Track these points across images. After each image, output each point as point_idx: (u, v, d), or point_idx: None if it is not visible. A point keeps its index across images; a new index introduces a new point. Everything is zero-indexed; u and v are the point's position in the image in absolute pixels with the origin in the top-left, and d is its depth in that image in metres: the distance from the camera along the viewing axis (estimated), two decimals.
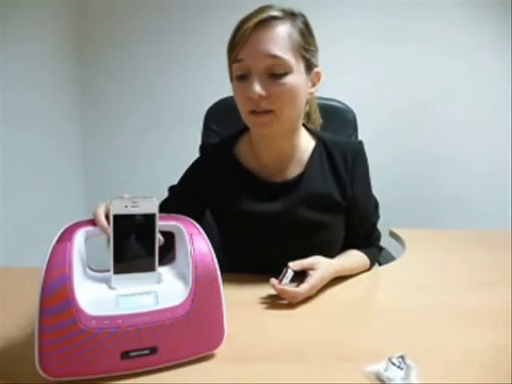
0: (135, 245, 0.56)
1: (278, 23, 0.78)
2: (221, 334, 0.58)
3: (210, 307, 0.57)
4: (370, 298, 0.87)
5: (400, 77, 2.07)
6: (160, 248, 0.58)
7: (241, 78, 0.80)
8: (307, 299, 0.76)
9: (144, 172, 2.13)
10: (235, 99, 0.84)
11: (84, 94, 2.08)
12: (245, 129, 0.93)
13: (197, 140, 1.23)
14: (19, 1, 1.58)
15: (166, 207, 0.63)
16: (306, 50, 0.81)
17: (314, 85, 0.86)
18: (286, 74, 0.78)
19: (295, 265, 0.78)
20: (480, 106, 2.09)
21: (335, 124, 1.16)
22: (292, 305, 0.75)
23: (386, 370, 0.53)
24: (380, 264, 1.03)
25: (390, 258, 1.08)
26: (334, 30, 1.95)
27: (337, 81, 1.67)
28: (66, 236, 0.54)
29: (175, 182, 0.99)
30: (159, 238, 0.59)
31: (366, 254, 0.94)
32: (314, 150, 0.91)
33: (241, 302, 0.75)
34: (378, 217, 0.99)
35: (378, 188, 0.99)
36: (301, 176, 0.89)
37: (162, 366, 0.54)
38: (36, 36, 1.71)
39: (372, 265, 0.96)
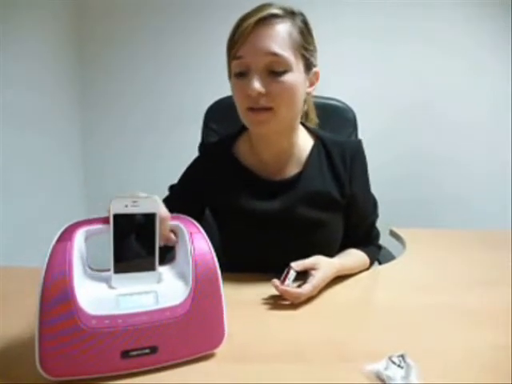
0: (135, 244, 0.56)
1: (278, 21, 0.78)
2: (221, 334, 0.58)
3: (210, 306, 0.57)
4: (370, 298, 0.87)
5: (400, 77, 2.07)
6: (160, 248, 0.58)
7: (240, 75, 0.80)
8: (308, 299, 0.76)
9: (144, 172, 2.13)
10: (233, 96, 0.84)
11: (84, 94, 2.08)
12: (244, 127, 0.93)
13: (196, 139, 1.23)
14: (19, 1, 1.58)
15: (166, 206, 0.63)
16: (306, 49, 0.81)
17: (311, 84, 0.87)
18: (285, 71, 0.78)
19: (297, 265, 0.78)
20: (480, 105, 2.09)
21: (335, 123, 1.17)
22: (292, 305, 0.75)
23: (386, 369, 0.53)
24: (380, 263, 1.03)
25: (390, 258, 1.08)
26: (333, 29, 1.96)
27: (336, 80, 1.67)
28: (66, 235, 0.53)
29: (175, 181, 1.00)
30: (172, 237, 0.60)
31: (366, 252, 0.94)
32: (313, 148, 0.91)
33: (241, 302, 0.75)
34: (376, 215, 0.99)
35: (377, 188, 0.99)
36: (299, 174, 0.89)
37: (161, 365, 0.54)
38: (36, 36, 1.71)
39: (371, 264, 0.96)
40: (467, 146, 2.13)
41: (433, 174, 2.15)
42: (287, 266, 0.77)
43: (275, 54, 0.77)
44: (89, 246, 0.58)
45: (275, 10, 0.78)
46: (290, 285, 0.76)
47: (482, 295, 0.81)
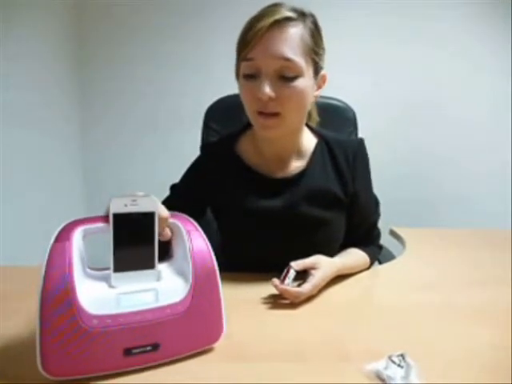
0: (135, 243, 0.56)
1: (291, 24, 0.77)
2: (220, 328, 0.59)
3: (209, 302, 0.58)
4: (370, 297, 0.87)
5: (400, 76, 2.07)
6: (160, 246, 0.58)
7: (249, 76, 0.79)
8: (307, 298, 0.76)
9: (143, 171, 2.13)
10: (241, 97, 0.84)
11: (83, 93, 2.07)
12: (247, 126, 0.93)
13: (195, 139, 1.23)
14: (19, 0, 1.58)
15: (168, 205, 0.63)
16: (316, 53, 0.81)
17: (319, 88, 0.86)
18: (296, 77, 0.77)
19: (297, 264, 0.78)
20: (480, 105, 2.09)
21: (335, 122, 1.17)
22: (292, 304, 0.75)
23: (386, 368, 0.53)
24: (380, 263, 1.03)
25: (390, 257, 1.08)
26: (333, 28, 1.94)
27: (337, 80, 1.66)
28: (65, 235, 0.53)
29: (174, 180, 0.99)
30: (167, 233, 0.60)
31: (366, 252, 0.94)
32: (316, 147, 0.91)
33: (241, 301, 0.75)
34: (378, 215, 1.00)
35: (378, 187, 0.99)
36: (303, 172, 0.89)
37: (163, 361, 0.55)
38: (35, 35, 1.71)
39: (372, 263, 0.96)
40: (467, 146, 2.12)
41: (433, 173, 2.15)
42: (287, 265, 0.77)
43: (287, 59, 0.76)
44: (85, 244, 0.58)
45: (289, 13, 0.77)
46: (289, 284, 0.76)
47: (482, 295, 0.81)
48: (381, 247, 1.02)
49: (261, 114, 0.79)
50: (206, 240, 0.61)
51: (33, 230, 1.60)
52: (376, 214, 0.99)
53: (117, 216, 0.54)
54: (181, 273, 0.60)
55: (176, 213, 0.64)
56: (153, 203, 0.56)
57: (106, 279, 0.56)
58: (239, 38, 0.81)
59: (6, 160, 1.49)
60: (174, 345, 0.55)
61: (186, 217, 0.64)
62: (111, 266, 0.55)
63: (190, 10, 2.01)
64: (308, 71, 0.80)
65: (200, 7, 2.01)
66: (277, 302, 0.76)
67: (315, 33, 0.81)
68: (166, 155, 2.09)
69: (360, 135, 1.24)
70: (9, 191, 1.51)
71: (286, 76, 0.77)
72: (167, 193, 0.98)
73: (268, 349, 0.61)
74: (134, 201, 0.54)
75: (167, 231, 0.61)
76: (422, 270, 0.97)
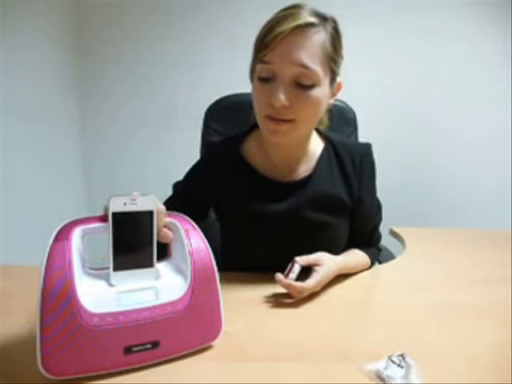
0: (134, 242, 0.56)
1: (313, 31, 0.74)
2: (219, 326, 0.60)
3: (208, 300, 0.59)
4: (370, 297, 0.87)
5: (399, 77, 2.07)
6: (158, 246, 0.58)
7: (264, 80, 0.77)
8: (308, 298, 0.76)
9: (135, 168, 2.13)
10: (253, 98, 0.82)
11: (83, 93, 2.07)
12: (253, 127, 0.91)
13: (194, 136, 1.23)
14: None
15: (170, 206, 0.63)
16: (334, 62, 0.79)
17: (333, 96, 0.84)
18: (312, 86, 0.75)
19: (302, 259, 0.77)
20: (481, 106, 2.10)
21: (335, 122, 1.15)
22: (292, 304, 0.75)
23: (386, 368, 0.53)
24: (380, 263, 1.03)
25: (390, 257, 1.08)
26: None
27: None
28: (64, 234, 0.53)
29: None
30: (169, 234, 0.60)
31: (367, 253, 0.95)
32: (323, 151, 0.90)
33: (241, 301, 0.75)
34: (380, 219, 0.99)
35: (378, 187, 0.99)
36: (309, 177, 0.88)
37: (163, 359, 0.55)
38: (35, 29, 1.71)
39: (372, 265, 0.96)
40: (468, 146, 2.13)
41: (433, 173, 2.15)
42: (292, 260, 0.77)
43: (305, 67, 0.74)
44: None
45: (311, 18, 0.74)
46: (293, 279, 0.75)
47: (482, 294, 0.81)
48: (380, 249, 1.02)
49: (271, 119, 0.77)
50: (204, 239, 0.61)
51: (33, 229, 1.60)
52: (378, 218, 0.98)
53: (116, 215, 0.54)
54: (179, 271, 0.60)
55: (174, 212, 0.64)
56: (152, 202, 0.56)
57: (106, 278, 0.56)
58: (257, 39, 0.78)
59: (6, 159, 1.49)
60: (174, 342, 0.56)
61: (184, 216, 0.64)
62: (110, 264, 0.55)
63: (184, 8, 2.00)
64: (325, 80, 0.77)
65: (194, 6, 2.00)
66: (277, 301, 0.76)
67: (336, 40, 0.79)
68: (159, 153, 2.10)
69: (360, 135, 1.24)
70: (9, 191, 1.51)
71: (302, 84, 0.75)
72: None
73: (268, 349, 0.61)
74: (132, 200, 0.54)
75: (168, 233, 0.60)
76: (422, 270, 0.97)
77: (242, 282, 0.84)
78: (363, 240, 0.96)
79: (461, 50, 2.05)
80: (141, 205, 0.55)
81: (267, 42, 0.74)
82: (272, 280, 0.77)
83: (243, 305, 0.74)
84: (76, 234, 0.54)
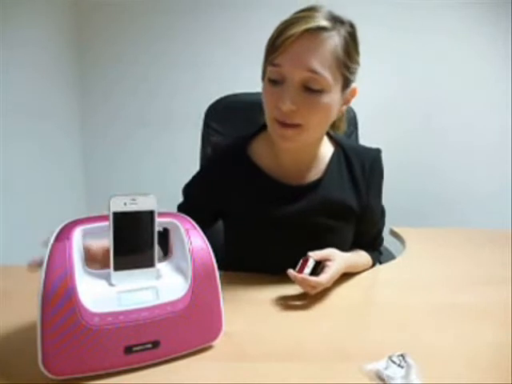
0: (134, 241, 0.56)
1: (324, 35, 0.73)
2: (219, 326, 0.60)
3: (208, 299, 0.59)
4: (371, 297, 0.87)
5: (401, 77, 2.08)
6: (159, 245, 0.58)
7: (274, 82, 0.76)
8: (308, 298, 0.76)
9: (142, 168, 2.12)
10: (263, 99, 0.81)
11: (83, 91, 2.07)
12: (263, 127, 0.89)
13: (196, 138, 1.23)
14: None
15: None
16: (347, 68, 0.76)
17: (346, 102, 0.82)
18: (321, 91, 0.74)
19: (315, 254, 0.76)
20: (481, 107, 2.10)
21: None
22: (292, 304, 0.75)
23: (386, 368, 0.53)
24: (380, 263, 1.03)
25: (390, 257, 1.08)
26: None
27: None
28: (65, 234, 0.53)
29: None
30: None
31: (370, 255, 0.95)
32: (333, 155, 0.89)
33: (241, 301, 0.75)
34: (383, 224, 0.99)
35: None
36: (319, 181, 0.87)
37: (163, 359, 0.55)
38: (35, 27, 1.71)
39: (373, 266, 0.97)
40: (468, 146, 2.13)
41: (433, 173, 2.15)
42: (293, 265, 0.76)
43: (314, 71, 0.72)
44: None
45: (324, 22, 0.73)
46: (308, 274, 0.74)
47: (482, 294, 0.81)
48: (381, 253, 1.03)
49: (279, 122, 0.77)
50: (205, 238, 0.61)
51: (32, 229, 1.59)
52: (382, 223, 0.98)
53: (116, 215, 0.54)
54: (180, 271, 0.60)
55: (172, 212, 0.64)
56: (152, 202, 0.56)
57: (106, 278, 0.56)
58: (269, 41, 0.77)
59: (6, 159, 1.49)
60: (174, 342, 0.56)
61: (184, 216, 0.64)
62: (111, 264, 0.55)
63: (184, 8, 2.00)
64: (335, 86, 0.76)
65: (194, 6, 1.99)
66: (277, 302, 0.76)
67: (350, 46, 0.76)
68: (158, 152, 2.09)
69: (360, 135, 1.24)
70: (8, 190, 1.51)
71: (311, 88, 0.74)
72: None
73: (268, 349, 0.61)
74: (133, 200, 0.55)
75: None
76: (422, 270, 0.97)
77: (243, 281, 0.84)
78: (366, 243, 0.96)
79: (461, 50, 2.05)
80: (141, 205, 0.55)
81: (277, 44, 0.74)
82: (272, 280, 0.77)
83: (243, 305, 0.74)
84: (77, 233, 0.54)
